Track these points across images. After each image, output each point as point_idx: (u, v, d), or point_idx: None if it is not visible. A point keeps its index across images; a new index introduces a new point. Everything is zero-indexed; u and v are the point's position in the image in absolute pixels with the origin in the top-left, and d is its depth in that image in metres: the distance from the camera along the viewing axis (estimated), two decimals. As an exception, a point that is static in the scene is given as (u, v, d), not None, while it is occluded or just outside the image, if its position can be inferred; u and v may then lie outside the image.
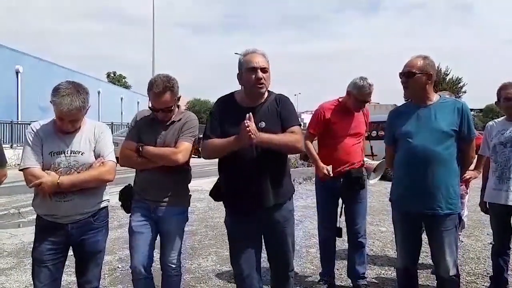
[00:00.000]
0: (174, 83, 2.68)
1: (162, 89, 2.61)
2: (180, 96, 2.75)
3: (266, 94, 2.61)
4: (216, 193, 2.68)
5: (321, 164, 3.47)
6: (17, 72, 20.69)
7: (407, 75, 2.68)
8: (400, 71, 2.74)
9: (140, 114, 2.86)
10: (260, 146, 2.41)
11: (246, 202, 2.51)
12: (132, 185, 2.85)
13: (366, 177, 3.62)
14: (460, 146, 2.69)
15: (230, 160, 2.50)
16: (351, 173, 3.48)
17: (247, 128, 2.26)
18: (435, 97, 2.74)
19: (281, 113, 2.54)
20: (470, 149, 2.77)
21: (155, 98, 2.64)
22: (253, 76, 2.46)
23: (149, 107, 2.74)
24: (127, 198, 2.80)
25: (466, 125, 2.66)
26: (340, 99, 3.63)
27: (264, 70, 2.48)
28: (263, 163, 2.46)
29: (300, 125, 2.62)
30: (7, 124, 16.90)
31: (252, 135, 2.27)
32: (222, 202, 2.71)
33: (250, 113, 2.33)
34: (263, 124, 2.46)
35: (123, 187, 2.86)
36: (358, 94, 3.47)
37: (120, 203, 2.85)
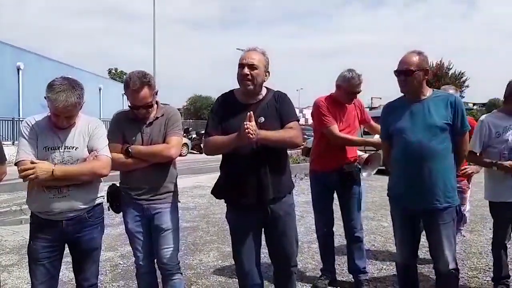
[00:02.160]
0: (150, 78, 2.63)
1: (139, 85, 2.56)
2: (157, 91, 2.71)
3: (265, 91, 2.63)
4: (218, 191, 2.69)
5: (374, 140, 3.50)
6: (18, 69, 20.66)
7: (406, 73, 2.67)
8: (396, 69, 2.72)
9: (117, 116, 2.81)
10: (260, 142, 2.43)
11: (246, 196, 2.52)
12: (118, 185, 2.79)
13: (359, 171, 3.59)
14: (454, 139, 2.70)
15: (231, 155, 2.53)
16: (343, 168, 3.47)
17: (247, 130, 2.30)
18: (428, 92, 2.74)
19: (280, 109, 2.58)
20: (464, 142, 2.78)
21: (133, 96, 2.58)
22: (240, 71, 2.52)
23: (128, 106, 2.68)
24: (115, 198, 2.74)
25: (460, 119, 2.66)
26: (331, 94, 3.60)
27: (252, 66, 2.51)
28: (263, 157, 2.49)
29: (298, 120, 2.64)
30: (9, 121, 16.90)
31: (251, 136, 2.31)
32: (218, 199, 2.73)
33: (251, 112, 2.36)
34: (262, 119, 2.50)
35: (108, 187, 2.77)
36: (349, 86, 3.44)
37: (107, 204, 2.77)
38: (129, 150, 2.63)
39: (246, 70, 2.50)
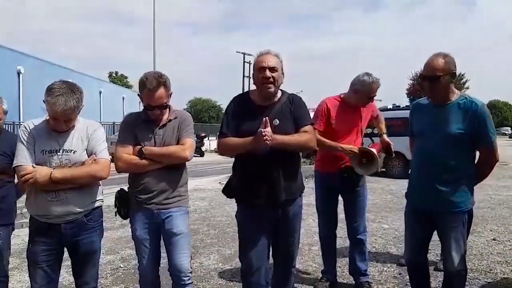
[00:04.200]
0: (166, 78, 2.61)
1: (156, 84, 2.54)
2: (172, 92, 2.69)
3: (280, 93, 2.67)
4: (229, 191, 2.74)
5: (343, 146, 3.42)
6: (18, 73, 20.70)
7: (431, 79, 2.57)
8: (422, 73, 2.64)
9: (129, 117, 2.79)
10: (275, 147, 2.47)
11: (258, 197, 2.56)
12: (127, 189, 2.75)
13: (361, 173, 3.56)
14: (477, 148, 2.65)
15: (245, 156, 2.57)
16: (343, 172, 3.47)
17: (264, 136, 2.35)
18: (454, 96, 2.64)
19: (294, 112, 2.62)
20: (488, 154, 2.64)
21: (149, 95, 2.56)
22: (261, 75, 2.54)
23: (144, 106, 2.66)
24: (123, 203, 2.71)
25: (481, 128, 2.56)
26: (342, 96, 3.60)
27: (273, 69, 2.54)
28: (276, 159, 2.53)
29: (312, 124, 2.68)
30: (9, 125, 16.91)
31: (268, 141, 2.37)
32: (230, 198, 2.76)
33: (267, 118, 2.40)
34: (277, 122, 2.54)
35: (117, 192, 2.75)
36: (370, 91, 3.45)
37: (115, 209, 2.73)
38: (142, 151, 2.60)
39: (269, 73, 2.53)
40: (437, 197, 2.65)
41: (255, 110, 2.56)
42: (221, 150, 2.66)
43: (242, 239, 2.73)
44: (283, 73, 2.65)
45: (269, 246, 2.71)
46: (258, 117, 2.47)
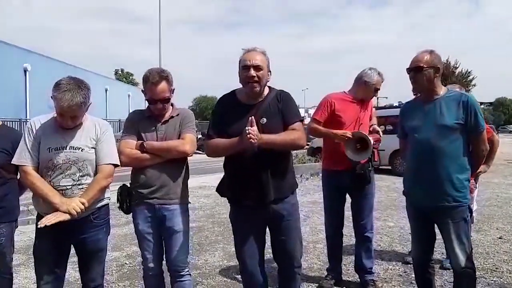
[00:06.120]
0: (168, 73, 2.69)
1: (158, 78, 2.61)
2: (174, 88, 2.74)
3: (267, 90, 2.62)
4: (222, 190, 2.71)
5: (338, 131, 3.42)
6: (25, 71, 20.84)
7: (415, 70, 2.69)
8: (408, 67, 2.75)
9: (133, 114, 2.85)
10: (263, 146, 2.41)
11: (247, 196, 2.53)
12: (129, 184, 2.77)
13: (372, 169, 3.55)
14: (469, 139, 2.68)
15: (233, 155, 2.53)
16: (355, 170, 3.44)
17: (249, 135, 2.29)
18: (442, 91, 2.73)
19: (282, 109, 2.55)
20: (479, 142, 2.72)
21: (152, 89, 2.62)
22: (245, 74, 2.49)
23: (146, 100, 2.71)
24: (126, 198, 2.73)
25: (473, 118, 2.61)
26: (346, 91, 3.61)
27: (258, 68, 2.49)
28: (264, 157, 2.46)
29: (302, 120, 2.62)
30: (16, 122, 17.04)
31: (253, 140, 2.30)
32: (223, 197, 2.73)
33: (252, 117, 2.35)
34: (264, 120, 2.48)
35: (119, 187, 2.76)
36: (378, 84, 3.55)
37: (117, 204, 2.75)
38: (144, 145, 2.65)
39: (253, 72, 2.47)
40: (435, 192, 2.64)
41: (242, 109, 2.49)
42: (208, 152, 2.60)
43: (235, 239, 2.72)
44: (270, 71, 2.59)
45: (262, 245, 2.68)
46: (245, 116, 2.40)
